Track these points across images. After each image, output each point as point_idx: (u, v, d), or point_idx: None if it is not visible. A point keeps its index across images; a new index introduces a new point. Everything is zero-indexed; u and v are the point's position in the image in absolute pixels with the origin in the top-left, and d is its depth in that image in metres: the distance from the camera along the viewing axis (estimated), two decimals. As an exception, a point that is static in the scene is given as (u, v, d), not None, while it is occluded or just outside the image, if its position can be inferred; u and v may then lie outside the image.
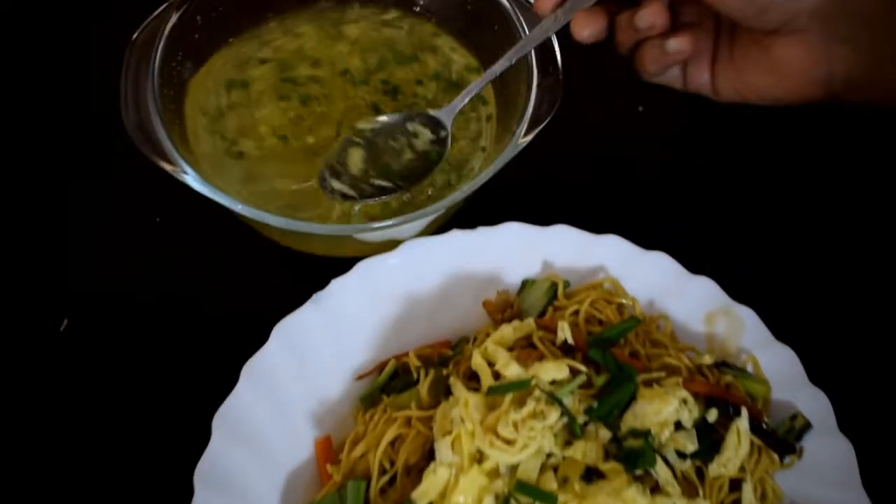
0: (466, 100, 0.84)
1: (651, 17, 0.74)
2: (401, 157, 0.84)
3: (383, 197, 0.83)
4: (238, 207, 0.77)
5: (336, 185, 0.82)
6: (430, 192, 0.87)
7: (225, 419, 0.76)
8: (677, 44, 0.75)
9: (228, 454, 0.75)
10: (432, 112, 0.85)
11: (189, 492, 0.73)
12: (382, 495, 0.75)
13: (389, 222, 0.79)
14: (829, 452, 0.78)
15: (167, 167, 0.78)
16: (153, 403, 0.84)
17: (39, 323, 0.86)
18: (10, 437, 0.83)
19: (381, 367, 0.81)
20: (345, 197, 0.82)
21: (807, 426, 0.79)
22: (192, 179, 0.78)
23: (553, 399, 0.72)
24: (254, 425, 0.77)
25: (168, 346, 0.86)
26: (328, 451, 0.79)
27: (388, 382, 0.81)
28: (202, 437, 0.75)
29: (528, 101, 0.83)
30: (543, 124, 0.82)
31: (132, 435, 0.83)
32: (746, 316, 0.84)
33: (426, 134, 0.85)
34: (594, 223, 0.86)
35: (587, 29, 0.76)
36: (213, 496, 0.74)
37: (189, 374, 0.84)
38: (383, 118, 0.86)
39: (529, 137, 0.81)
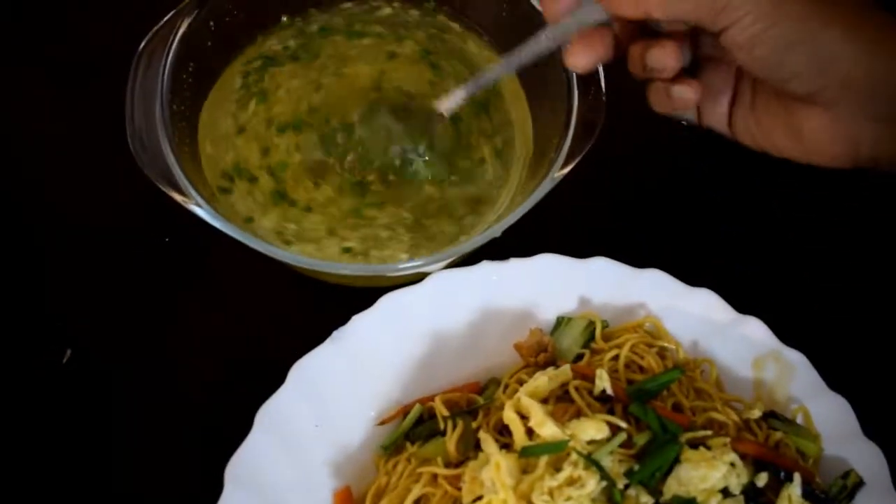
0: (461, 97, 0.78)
1: (663, 58, 0.66)
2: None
3: None
4: (252, 244, 0.71)
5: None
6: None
7: (238, 469, 0.72)
8: (683, 91, 0.68)
9: (242, 508, 0.71)
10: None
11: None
12: (407, 559, 0.70)
13: (419, 262, 0.73)
14: (882, 511, 0.74)
15: (177, 197, 0.72)
16: (160, 448, 0.79)
17: (42, 355, 0.81)
18: (14, 470, 0.78)
19: (404, 412, 0.76)
20: None
21: (860, 484, 0.74)
22: (203, 212, 0.72)
23: (591, 462, 0.67)
24: (269, 476, 0.73)
25: (177, 384, 0.81)
26: (348, 502, 0.74)
27: (413, 429, 0.76)
28: (214, 489, 0.70)
29: (567, 128, 0.76)
30: (583, 153, 0.75)
31: (137, 481, 0.78)
32: (797, 361, 0.78)
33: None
34: (635, 256, 0.79)
35: (584, 56, 0.68)
36: (226, 556, 0.69)
37: (199, 418, 0.79)
38: None
39: (567, 169, 0.75)
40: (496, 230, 0.74)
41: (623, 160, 0.91)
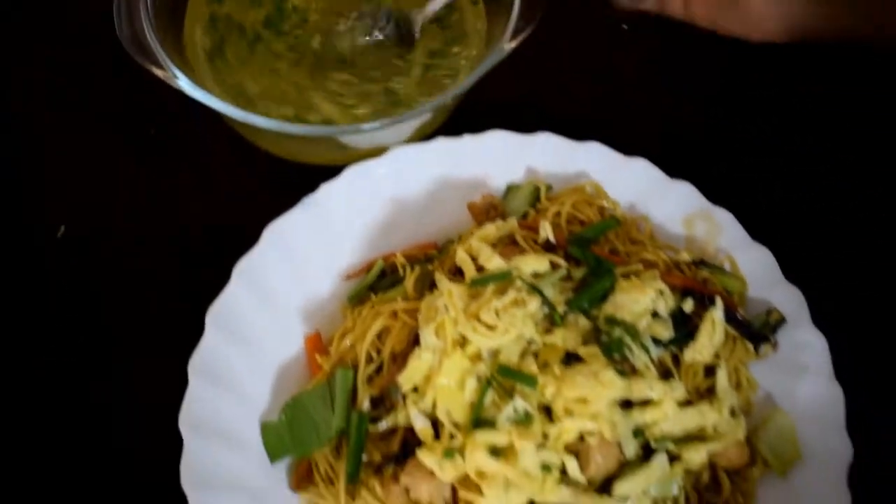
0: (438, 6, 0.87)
1: None
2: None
3: None
4: (229, 111, 0.80)
5: None
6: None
7: (217, 315, 0.79)
8: None
9: (220, 348, 0.78)
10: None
11: (184, 383, 0.76)
12: (370, 382, 0.77)
13: (376, 124, 0.81)
14: (802, 345, 0.81)
15: (158, 73, 0.81)
16: (148, 301, 0.87)
17: (38, 230, 0.89)
18: (10, 337, 0.86)
19: (368, 267, 0.84)
20: None
21: (781, 321, 0.82)
22: (183, 83, 0.80)
23: (534, 289, 0.75)
24: (245, 321, 0.80)
25: (163, 250, 0.89)
26: (318, 345, 0.81)
27: (376, 282, 0.83)
28: (196, 332, 0.77)
29: (513, 5, 0.84)
30: (529, 30, 0.84)
31: (130, 328, 0.86)
32: (724, 218, 0.86)
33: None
34: (577, 131, 0.88)
35: None
36: (206, 387, 0.76)
37: (183, 274, 0.87)
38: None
39: (515, 43, 0.83)
40: (446, 96, 0.82)
41: (565, 46, 1.00)
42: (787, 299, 0.83)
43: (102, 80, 0.96)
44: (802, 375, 0.80)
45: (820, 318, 0.81)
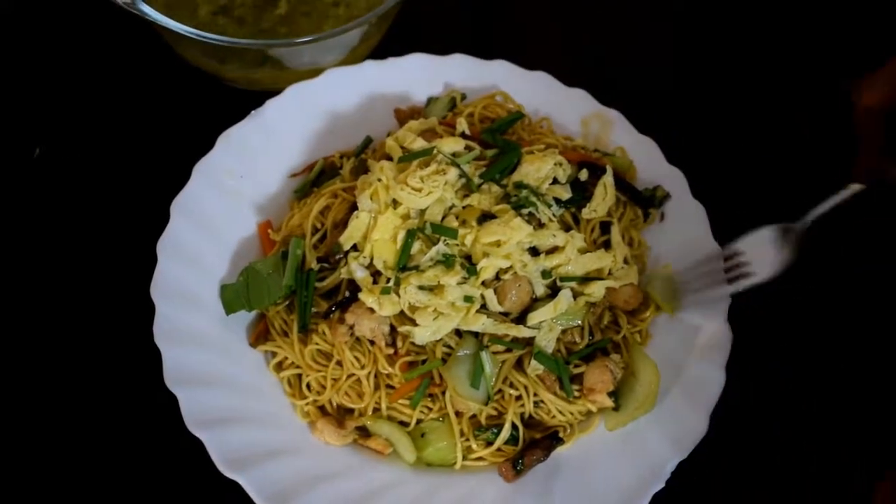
0: None
1: None
2: None
3: None
4: (187, 31, 0.92)
5: None
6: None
7: (181, 205, 0.90)
8: None
9: (184, 231, 0.89)
10: None
11: (153, 263, 0.87)
12: (315, 249, 0.89)
13: (310, 38, 0.95)
14: (685, 214, 0.96)
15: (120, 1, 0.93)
16: (119, 194, 0.99)
17: (15, 151, 1.00)
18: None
19: (311, 167, 0.97)
20: None
21: (666, 196, 0.96)
22: (145, 8, 0.93)
23: (452, 162, 0.88)
24: (205, 210, 0.91)
25: (128, 158, 1.02)
26: (269, 230, 0.93)
27: (317, 179, 0.96)
28: (163, 220, 0.89)
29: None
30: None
31: (100, 220, 0.98)
32: (615, 117, 1.01)
33: None
34: (485, 52, 1.03)
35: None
36: (172, 262, 0.88)
37: (148, 176, 0.99)
38: None
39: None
40: (370, 16, 0.96)
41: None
42: (671, 179, 0.97)
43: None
44: (686, 237, 0.94)
45: (700, 193, 0.96)
